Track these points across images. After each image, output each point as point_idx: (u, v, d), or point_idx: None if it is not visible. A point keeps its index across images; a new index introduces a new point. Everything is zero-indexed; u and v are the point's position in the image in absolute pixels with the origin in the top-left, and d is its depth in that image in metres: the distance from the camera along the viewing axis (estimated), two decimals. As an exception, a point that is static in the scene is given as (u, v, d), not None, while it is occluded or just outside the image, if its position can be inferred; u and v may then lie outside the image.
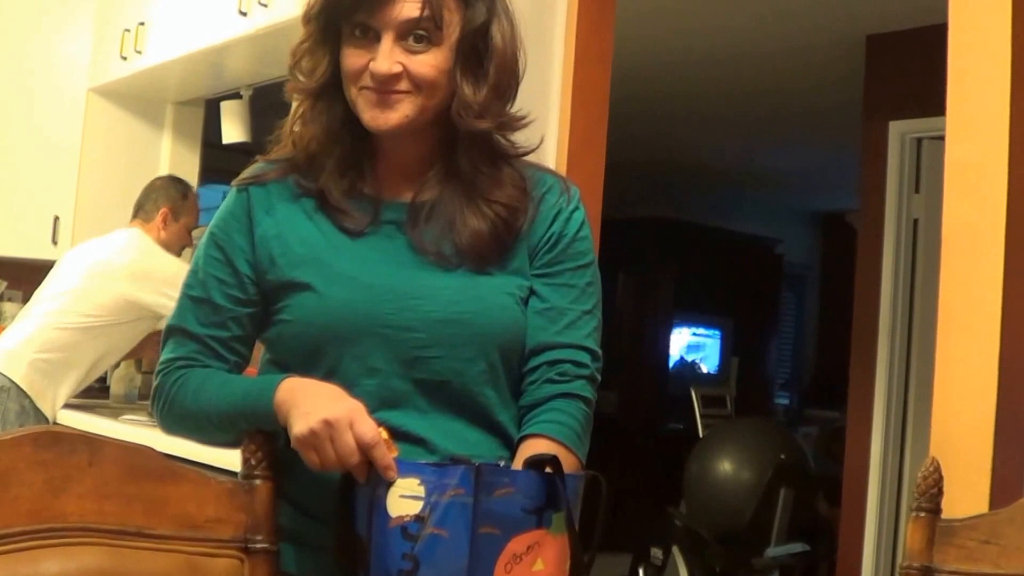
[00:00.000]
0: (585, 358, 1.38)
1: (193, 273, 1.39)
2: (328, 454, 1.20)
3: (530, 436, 1.33)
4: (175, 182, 3.38)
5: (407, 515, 1.18)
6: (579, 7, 2.48)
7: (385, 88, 1.31)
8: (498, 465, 1.24)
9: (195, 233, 3.36)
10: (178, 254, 3.32)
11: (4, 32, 3.86)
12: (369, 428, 1.20)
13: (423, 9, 1.30)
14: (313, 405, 1.22)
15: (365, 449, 1.19)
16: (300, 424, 1.22)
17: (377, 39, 1.31)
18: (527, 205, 1.39)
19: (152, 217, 3.25)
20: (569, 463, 1.30)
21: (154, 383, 1.39)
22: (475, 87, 1.34)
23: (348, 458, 1.19)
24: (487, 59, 1.35)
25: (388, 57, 1.30)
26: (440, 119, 1.36)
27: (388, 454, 1.20)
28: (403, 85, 1.31)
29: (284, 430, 1.26)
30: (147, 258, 3.14)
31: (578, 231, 1.42)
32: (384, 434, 1.22)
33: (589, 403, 1.37)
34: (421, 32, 1.31)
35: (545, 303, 1.38)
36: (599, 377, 1.40)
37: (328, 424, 1.20)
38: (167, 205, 3.27)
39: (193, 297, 1.38)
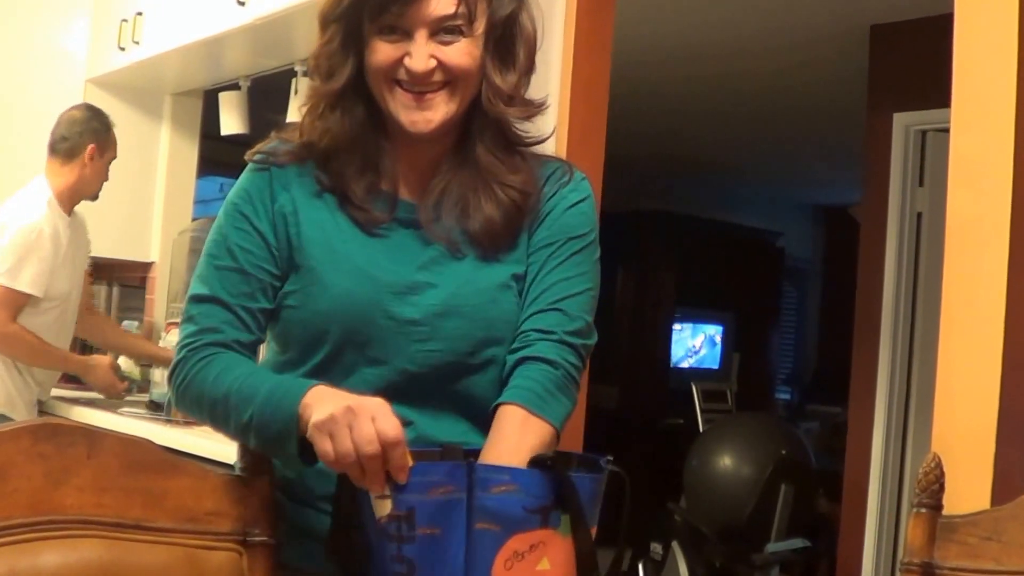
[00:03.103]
0: (550, 321, 1.34)
1: (217, 243, 1.37)
2: (344, 441, 1.14)
3: (494, 407, 1.31)
4: (96, 113, 3.22)
5: (383, 515, 1.16)
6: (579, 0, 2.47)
7: (421, 85, 1.31)
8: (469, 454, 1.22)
9: None
10: (98, 192, 3.20)
11: (2, 23, 3.85)
12: (393, 424, 1.16)
13: (458, 5, 1.30)
14: (340, 399, 1.19)
15: (385, 445, 1.14)
16: (320, 411, 1.17)
17: (407, 35, 1.31)
18: (539, 192, 1.39)
19: (78, 154, 3.10)
20: (533, 425, 1.28)
21: (177, 356, 1.35)
22: (505, 73, 1.35)
23: (365, 446, 1.14)
24: (517, 45, 1.36)
25: (423, 53, 1.30)
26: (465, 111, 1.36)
27: (407, 454, 1.16)
28: (438, 76, 1.31)
29: (287, 447, 1.23)
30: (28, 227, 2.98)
31: (571, 206, 1.41)
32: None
33: (554, 364, 1.33)
34: (452, 24, 1.31)
35: (529, 279, 1.37)
36: (573, 340, 1.35)
37: (350, 410, 1.15)
38: (94, 141, 3.12)
39: (220, 266, 1.35)
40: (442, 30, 1.31)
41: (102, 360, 3.28)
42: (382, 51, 1.32)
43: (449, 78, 1.32)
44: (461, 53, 1.31)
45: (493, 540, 1.17)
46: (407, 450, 1.16)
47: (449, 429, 1.33)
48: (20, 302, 2.96)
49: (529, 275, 1.38)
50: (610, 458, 1.26)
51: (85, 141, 3.11)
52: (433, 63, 1.30)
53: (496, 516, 1.17)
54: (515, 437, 1.27)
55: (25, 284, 2.94)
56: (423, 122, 1.32)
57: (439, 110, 1.32)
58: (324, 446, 1.16)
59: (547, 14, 2.48)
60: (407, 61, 1.30)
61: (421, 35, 1.30)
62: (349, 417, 1.15)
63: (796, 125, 5.72)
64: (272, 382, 1.28)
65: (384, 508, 1.16)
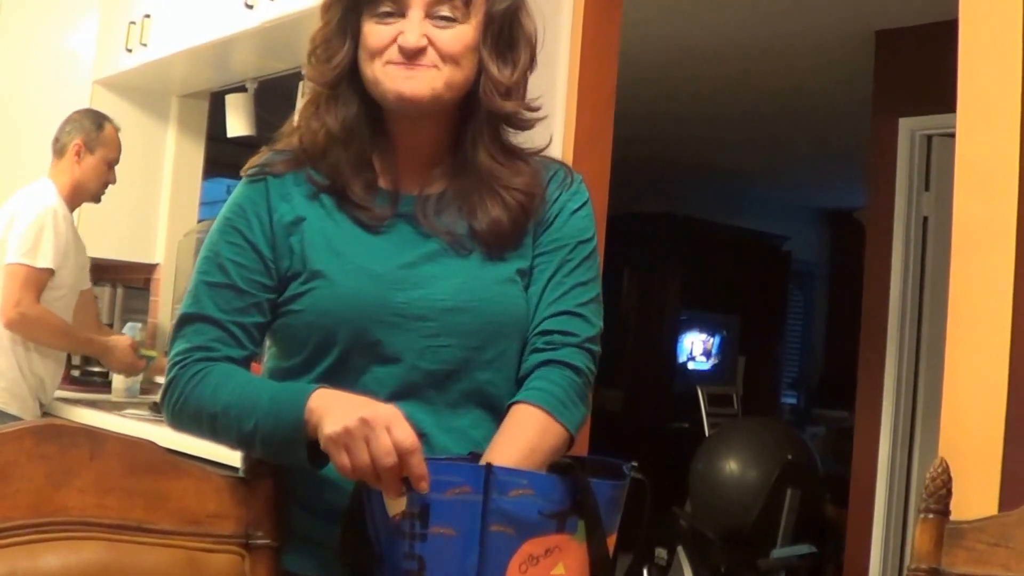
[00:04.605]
0: (575, 325, 1.36)
1: (208, 260, 1.36)
2: (361, 455, 1.14)
3: (512, 404, 1.31)
4: (90, 113, 3.24)
5: (397, 513, 1.16)
6: (586, 2, 2.47)
7: (412, 61, 1.31)
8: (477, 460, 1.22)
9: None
10: (100, 192, 3.20)
11: (11, 24, 3.86)
12: (408, 433, 1.15)
13: None
14: (349, 408, 1.18)
15: (403, 454, 1.14)
16: (334, 423, 1.16)
17: (402, 15, 1.31)
18: (544, 192, 1.39)
19: (66, 151, 3.11)
20: (551, 429, 1.29)
21: (167, 375, 1.33)
22: (503, 68, 1.35)
23: (383, 458, 1.13)
24: (518, 45, 1.37)
25: (416, 30, 1.30)
26: (458, 105, 1.36)
27: (424, 463, 1.15)
28: (429, 58, 1.31)
29: (296, 454, 1.23)
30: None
31: (576, 209, 1.41)
32: None
33: (578, 371, 1.35)
34: (447, 13, 1.32)
35: (542, 280, 1.38)
36: (593, 347, 1.37)
37: (365, 422, 1.15)
38: (80, 137, 3.13)
39: (211, 283, 1.34)
40: (438, 16, 1.32)
41: (122, 340, 3.29)
42: (375, 33, 1.32)
43: (439, 62, 1.32)
44: (454, 38, 1.32)
45: (508, 543, 1.16)
46: (422, 458, 1.15)
47: (451, 431, 1.33)
48: (42, 280, 2.97)
49: (542, 274, 1.38)
50: (634, 464, 1.27)
51: (71, 138, 3.13)
52: (424, 41, 1.31)
53: (512, 519, 1.17)
54: (532, 438, 1.28)
55: (45, 260, 2.95)
56: (408, 92, 1.31)
57: (425, 84, 1.31)
58: (341, 460, 1.16)
59: (554, 17, 2.49)
60: (400, 38, 1.31)
61: (416, 13, 1.31)
62: (365, 430, 1.15)
63: (802, 129, 5.71)
64: (273, 388, 1.28)
65: (398, 506, 1.16)
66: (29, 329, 2.97)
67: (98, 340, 3.25)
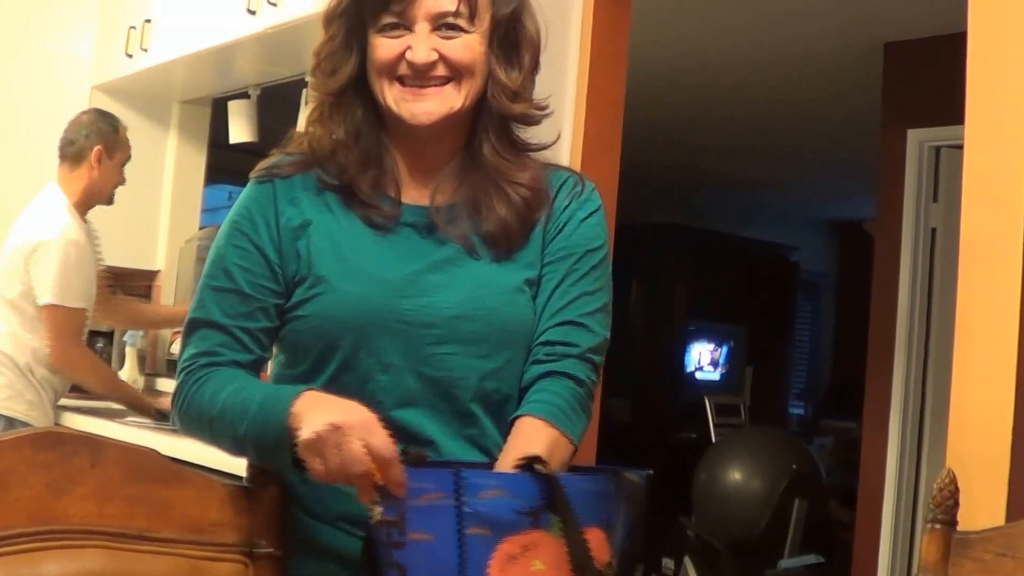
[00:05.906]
0: (577, 336, 1.35)
1: (215, 264, 1.36)
2: (332, 460, 1.15)
3: (517, 417, 1.31)
4: (102, 115, 3.16)
5: (376, 520, 1.16)
6: (595, 11, 2.47)
7: (423, 78, 1.31)
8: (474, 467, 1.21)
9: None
10: (111, 195, 3.14)
11: (9, 29, 3.81)
12: (385, 441, 1.15)
13: (459, 3, 1.31)
14: (324, 412, 1.18)
15: (380, 463, 1.14)
16: (307, 429, 1.17)
17: (409, 29, 1.31)
18: (548, 190, 1.39)
19: (85, 156, 3.03)
20: (560, 442, 1.29)
21: (176, 380, 1.34)
22: (509, 71, 1.36)
23: (351, 465, 1.14)
24: (522, 46, 1.37)
25: (425, 45, 1.30)
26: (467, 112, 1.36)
27: (402, 470, 1.15)
28: (440, 71, 1.32)
29: (282, 458, 1.22)
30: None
31: (586, 217, 1.41)
32: None
33: (580, 382, 1.34)
34: (453, 24, 1.32)
35: (548, 289, 1.37)
36: (595, 358, 1.36)
37: (335, 429, 1.15)
38: (100, 142, 3.05)
39: (217, 287, 1.34)
40: (444, 25, 1.32)
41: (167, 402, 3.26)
42: (384, 47, 1.32)
43: (452, 73, 1.32)
44: (463, 48, 1.32)
45: (485, 544, 1.16)
46: (400, 466, 1.15)
47: (458, 437, 1.32)
48: (80, 320, 2.92)
49: (548, 283, 1.37)
50: (617, 469, 1.26)
51: (91, 143, 3.05)
52: (435, 55, 1.31)
53: (487, 520, 1.16)
54: (542, 451, 1.26)
55: (79, 300, 2.91)
56: (423, 114, 1.32)
57: (440, 103, 1.32)
58: (313, 465, 1.17)
59: (562, 26, 2.49)
60: (408, 54, 1.31)
61: (422, 28, 1.31)
62: (335, 436, 1.15)
63: (811, 139, 5.71)
64: (264, 392, 1.27)
65: (375, 513, 1.16)
66: (74, 374, 2.96)
67: (146, 401, 3.16)
